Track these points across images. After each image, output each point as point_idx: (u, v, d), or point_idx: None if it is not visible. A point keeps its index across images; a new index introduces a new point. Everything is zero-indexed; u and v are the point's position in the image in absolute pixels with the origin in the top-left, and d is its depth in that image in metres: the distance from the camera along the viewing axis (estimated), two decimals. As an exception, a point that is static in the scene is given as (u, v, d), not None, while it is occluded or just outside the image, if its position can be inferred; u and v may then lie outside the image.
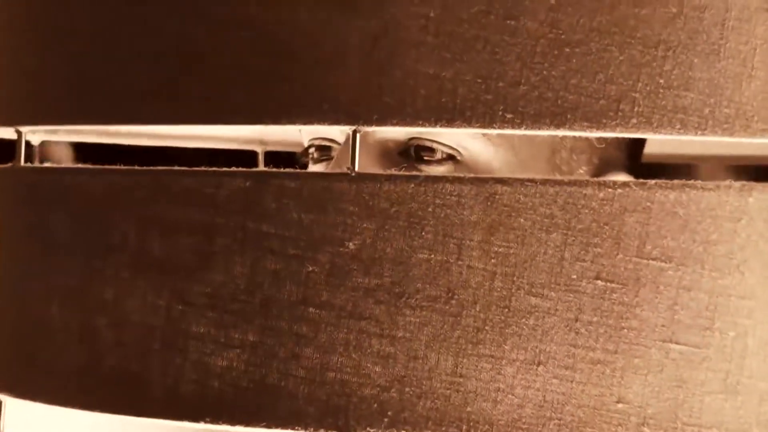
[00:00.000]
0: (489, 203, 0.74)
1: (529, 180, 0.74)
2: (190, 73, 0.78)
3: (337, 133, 1.00)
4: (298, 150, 1.14)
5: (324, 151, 1.03)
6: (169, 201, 0.78)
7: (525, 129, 0.74)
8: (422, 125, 0.75)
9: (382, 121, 0.75)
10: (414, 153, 0.94)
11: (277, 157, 1.44)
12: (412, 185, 0.75)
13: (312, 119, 0.76)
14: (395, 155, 0.94)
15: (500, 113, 0.74)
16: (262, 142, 1.46)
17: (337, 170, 0.87)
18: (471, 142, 0.92)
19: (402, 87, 0.74)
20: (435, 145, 0.93)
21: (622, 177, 0.96)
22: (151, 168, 0.80)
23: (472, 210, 0.74)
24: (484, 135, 0.92)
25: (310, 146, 1.04)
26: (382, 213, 0.75)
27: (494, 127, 0.74)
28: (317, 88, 0.75)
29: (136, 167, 0.81)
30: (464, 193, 0.74)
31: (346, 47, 0.75)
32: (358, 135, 0.76)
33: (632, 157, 1.01)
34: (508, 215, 0.74)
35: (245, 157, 1.46)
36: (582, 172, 0.95)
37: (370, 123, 0.75)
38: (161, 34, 0.79)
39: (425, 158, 0.93)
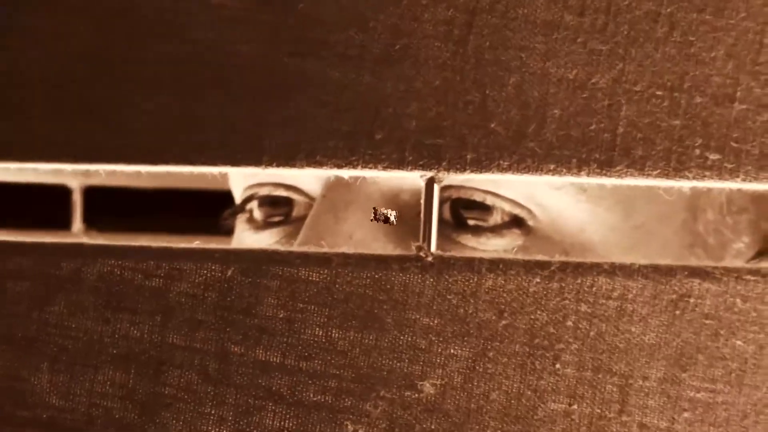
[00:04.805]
0: (679, 312, 0.41)
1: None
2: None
3: (303, 175, 0.55)
4: (143, 184, 0.77)
5: (275, 207, 0.58)
6: (72, 302, 0.43)
7: (744, 180, 0.41)
8: (555, 172, 0.42)
9: (483, 164, 0.42)
10: (451, 213, 0.52)
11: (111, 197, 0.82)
12: (537, 279, 0.41)
13: (362, 161, 0.42)
14: (412, 216, 0.51)
15: (697, 151, 0.41)
16: (85, 174, 0.82)
17: (344, 249, 0.49)
18: (552, 195, 0.52)
19: (517, 104, 0.41)
20: (490, 200, 0.51)
21: None
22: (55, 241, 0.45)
23: (646, 324, 0.41)
24: (574, 183, 0.50)
25: (248, 198, 0.59)
26: (483, 328, 0.41)
27: (686, 176, 0.42)
28: (371, 110, 0.42)
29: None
30: (632, 293, 0.41)
31: (419, 36, 0.41)
32: (436, 186, 0.42)
33: None
34: (715, 335, 0.41)
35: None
36: (743, 246, 0.55)
37: (461, 167, 0.42)
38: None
39: (470, 222, 0.52)
